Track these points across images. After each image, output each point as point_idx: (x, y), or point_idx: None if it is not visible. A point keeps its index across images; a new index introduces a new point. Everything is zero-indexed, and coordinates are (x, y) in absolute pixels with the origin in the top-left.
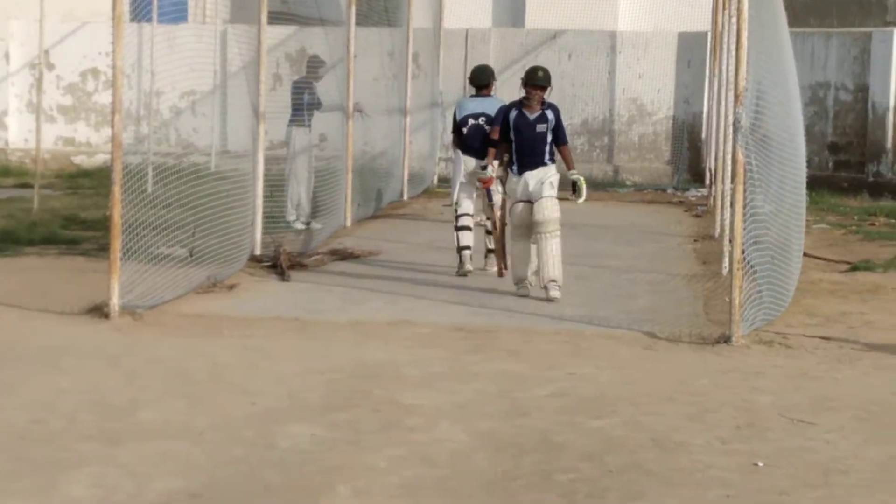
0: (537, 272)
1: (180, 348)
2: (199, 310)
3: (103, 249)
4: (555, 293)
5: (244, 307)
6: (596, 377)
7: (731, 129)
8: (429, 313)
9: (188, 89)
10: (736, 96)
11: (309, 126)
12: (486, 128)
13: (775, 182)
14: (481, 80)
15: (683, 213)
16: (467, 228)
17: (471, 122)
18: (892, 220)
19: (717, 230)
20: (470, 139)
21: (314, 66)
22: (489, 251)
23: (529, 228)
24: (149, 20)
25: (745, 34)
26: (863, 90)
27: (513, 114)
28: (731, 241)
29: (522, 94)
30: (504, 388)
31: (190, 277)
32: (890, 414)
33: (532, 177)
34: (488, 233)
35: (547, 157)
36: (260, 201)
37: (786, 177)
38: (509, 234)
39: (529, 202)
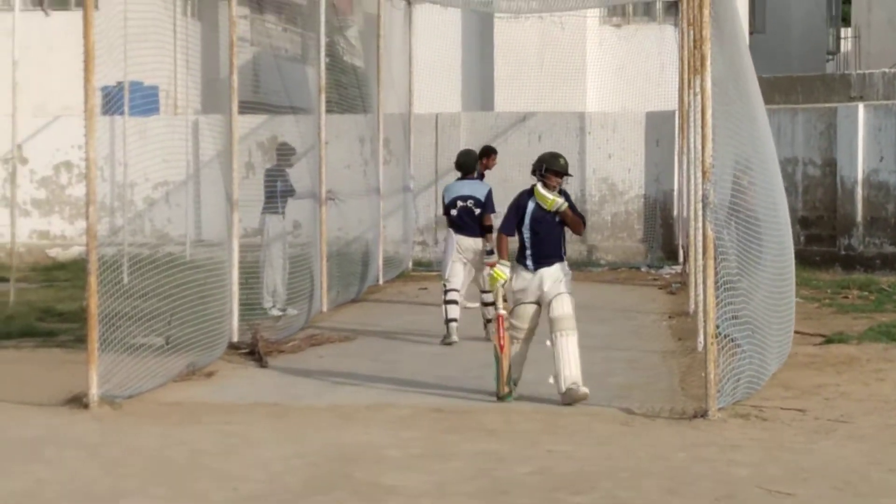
0: (556, 376)
1: (160, 436)
2: (178, 398)
3: (80, 340)
4: (584, 389)
5: (223, 394)
6: (574, 454)
7: (700, 206)
8: (407, 395)
9: (161, 180)
10: (703, 173)
11: (283, 213)
12: (476, 210)
13: (754, 256)
14: (467, 163)
15: (658, 290)
16: (454, 302)
17: (459, 203)
18: (865, 293)
19: (692, 306)
20: (460, 220)
21: (285, 153)
22: (488, 321)
23: (533, 332)
24: (121, 113)
25: (709, 112)
26: (830, 164)
27: (531, 205)
28: (704, 316)
29: (534, 181)
30: (483, 466)
31: (168, 366)
32: (865, 483)
33: (548, 275)
34: (486, 304)
35: (563, 250)
36: (236, 289)
37: (764, 251)
38: (558, 329)
39: (537, 304)
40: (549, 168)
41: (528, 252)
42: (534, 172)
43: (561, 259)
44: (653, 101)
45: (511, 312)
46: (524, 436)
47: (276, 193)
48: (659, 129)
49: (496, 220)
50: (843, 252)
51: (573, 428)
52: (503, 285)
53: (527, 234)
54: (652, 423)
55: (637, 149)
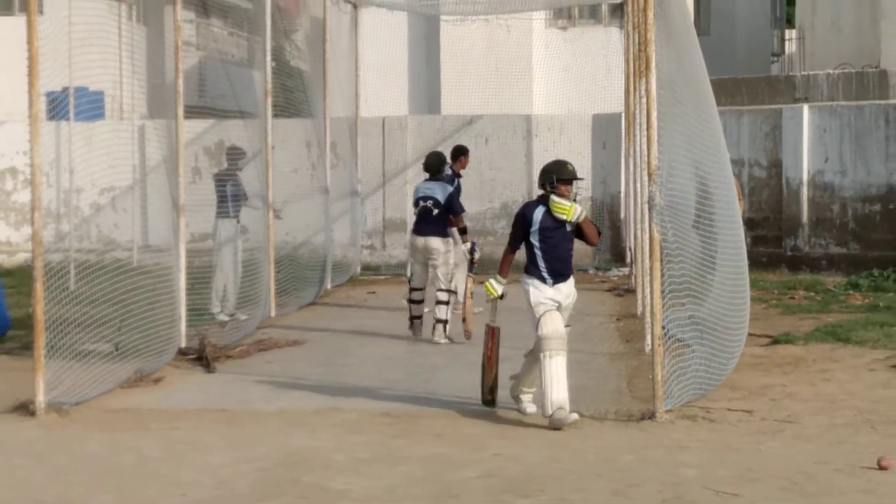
0: (542, 397)
1: (107, 443)
2: (126, 404)
3: (27, 347)
4: (574, 415)
5: (171, 400)
6: (522, 457)
7: (646, 208)
8: (355, 400)
9: (108, 185)
10: (649, 175)
11: (235, 217)
12: (434, 210)
13: (707, 258)
14: (434, 165)
15: (605, 292)
16: (419, 302)
17: (421, 203)
18: (811, 294)
19: (640, 308)
20: (418, 219)
21: (234, 156)
22: (438, 321)
23: None
24: (66, 118)
25: (654, 114)
26: (776, 166)
27: (537, 214)
28: (651, 318)
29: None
30: (431, 471)
31: (116, 372)
32: (812, 483)
33: (567, 293)
34: (439, 303)
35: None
36: (183, 294)
37: (719, 252)
38: (545, 350)
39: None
40: (560, 178)
41: (542, 265)
42: (542, 186)
43: (572, 273)
44: (599, 103)
45: (540, 325)
46: (472, 439)
47: (227, 197)
48: (605, 132)
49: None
50: (789, 253)
51: (521, 431)
52: (493, 300)
53: (537, 246)
54: (600, 426)
55: (584, 151)
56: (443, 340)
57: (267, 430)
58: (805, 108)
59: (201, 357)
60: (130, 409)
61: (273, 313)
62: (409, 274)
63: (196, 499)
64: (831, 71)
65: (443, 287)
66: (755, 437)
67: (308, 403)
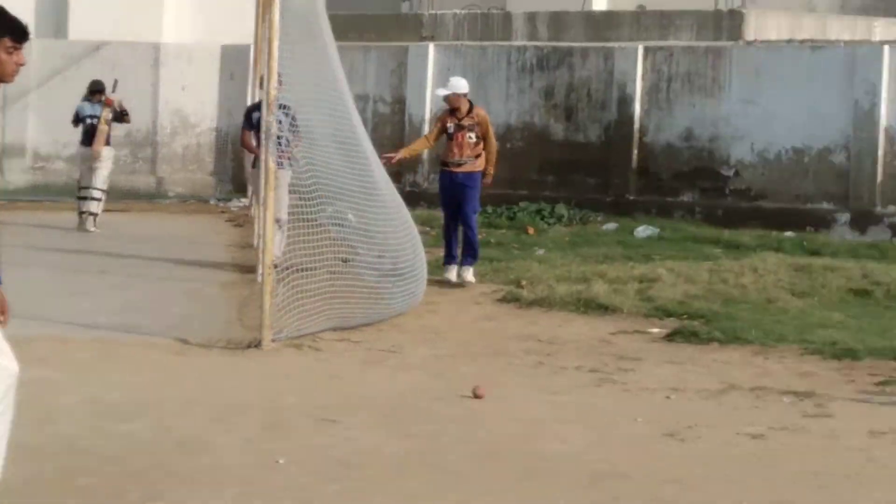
0: None
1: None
2: None
3: None
4: None
5: None
6: (126, 383)
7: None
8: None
9: None
10: (267, 105)
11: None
12: None
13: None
14: None
15: (225, 223)
16: None
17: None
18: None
19: (256, 239)
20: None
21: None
22: None
23: None
24: None
25: (276, 44)
26: (400, 102)
27: None
28: (263, 247)
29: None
30: (34, 395)
31: None
32: (409, 410)
33: None
34: None
35: None
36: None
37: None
38: None
39: None
40: None
41: None
42: None
43: None
44: (231, 34)
45: None
46: (77, 364)
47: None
48: (234, 63)
49: None
50: (407, 188)
51: (127, 358)
52: None
53: None
54: (206, 353)
55: (211, 82)
56: None
57: None
58: (431, 46)
59: None
60: None
61: None
62: None
63: None
64: (458, 11)
65: None
66: (359, 366)
67: None
